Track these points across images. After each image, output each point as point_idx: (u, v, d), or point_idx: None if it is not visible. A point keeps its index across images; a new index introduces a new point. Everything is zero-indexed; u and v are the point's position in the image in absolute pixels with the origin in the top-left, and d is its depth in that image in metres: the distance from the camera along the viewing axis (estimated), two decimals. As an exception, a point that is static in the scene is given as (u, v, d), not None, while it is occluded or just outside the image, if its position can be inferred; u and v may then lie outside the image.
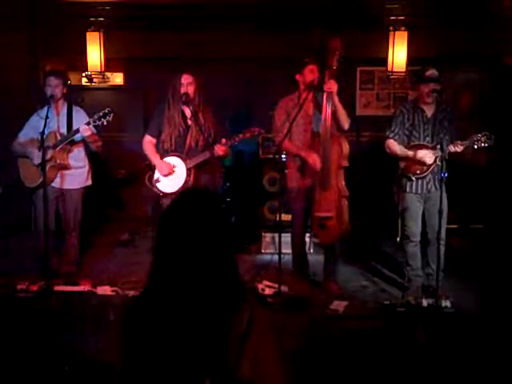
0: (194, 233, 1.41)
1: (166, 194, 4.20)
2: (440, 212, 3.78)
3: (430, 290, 4.11)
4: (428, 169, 4.01)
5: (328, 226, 4.14)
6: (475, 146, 3.87)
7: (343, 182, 4.12)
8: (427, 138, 4.05)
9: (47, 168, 4.25)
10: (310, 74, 4.12)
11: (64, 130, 4.37)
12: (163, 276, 1.43)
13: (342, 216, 4.09)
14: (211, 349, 1.34)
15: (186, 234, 1.42)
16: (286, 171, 4.42)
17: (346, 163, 4.10)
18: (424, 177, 4.04)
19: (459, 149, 3.89)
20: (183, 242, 1.41)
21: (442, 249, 3.99)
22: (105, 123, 4.18)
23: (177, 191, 4.11)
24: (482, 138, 3.84)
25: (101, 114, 4.17)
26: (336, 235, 4.20)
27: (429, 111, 4.09)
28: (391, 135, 4.15)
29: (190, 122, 4.20)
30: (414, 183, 4.08)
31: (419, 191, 4.08)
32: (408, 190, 4.11)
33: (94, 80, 6.04)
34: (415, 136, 4.07)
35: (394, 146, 4.12)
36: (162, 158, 4.21)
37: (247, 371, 1.33)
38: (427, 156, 3.98)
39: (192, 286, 1.39)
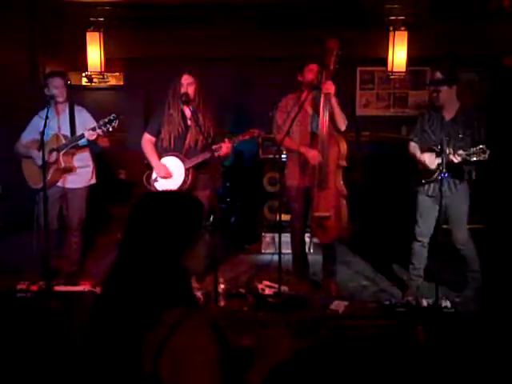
0: (144, 234, 1.44)
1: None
2: (457, 214, 3.94)
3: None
4: (435, 173, 3.96)
5: (326, 225, 4.15)
6: (471, 159, 3.81)
7: (341, 182, 4.13)
8: (454, 141, 3.92)
9: (52, 171, 4.30)
10: (309, 73, 4.14)
11: (66, 132, 4.38)
12: (114, 274, 1.47)
13: (340, 216, 4.10)
14: (128, 350, 1.34)
15: (139, 234, 1.45)
16: (286, 171, 4.43)
17: (344, 163, 4.11)
18: (434, 181, 4.00)
19: (456, 159, 3.81)
20: (134, 242, 1.45)
21: (466, 251, 4.08)
22: (110, 129, 4.18)
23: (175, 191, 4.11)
24: (478, 152, 3.77)
25: (106, 120, 4.17)
26: (335, 235, 4.22)
27: (448, 114, 4.02)
28: (411, 137, 4.17)
29: (189, 123, 4.20)
30: (427, 186, 4.08)
31: (431, 193, 4.06)
32: (420, 191, 4.14)
33: (94, 80, 6.04)
34: (433, 139, 4.01)
35: (414, 148, 4.12)
36: (160, 156, 4.22)
37: (166, 374, 1.30)
38: (430, 161, 3.96)
39: (131, 286, 1.41)
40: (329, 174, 4.07)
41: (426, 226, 4.11)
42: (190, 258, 1.47)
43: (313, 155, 4.07)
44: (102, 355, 1.39)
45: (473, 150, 3.76)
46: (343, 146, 4.08)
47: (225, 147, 4.03)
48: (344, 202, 4.11)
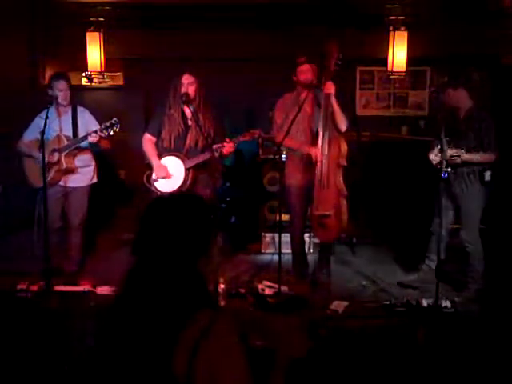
0: (161, 238, 1.44)
1: (163, 194, 4.21)
2: (466, 213, 4.02)
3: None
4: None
5: (327, 224, 4.17)
6: (459, 162, 3.88)
7: (342, 182, 4.15)
8: (458, 141, 3.97)
9: (53, 171, 4.34)
10: (302, 74, 4.17)
11: (68, 132, 4.41)
12: (132, 278, 1.46)
13: (340, 215, 4.12)
14: (158, 355, 1.33)
15: (155, 237, 1.45)
16: (286, 170, 4.45)
17: (344, 162, 4.14)
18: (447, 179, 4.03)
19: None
20: (151, 245, 1.44)
21: (472, 251, 4.13)
22: (112, 133, 4.21)
23: (174, 191, 4.13)
24: (460, 153, 3.85)
25: (108, 124, 4.21)
26: (335, 234, 4.26)
27: (461, 113, 4.10)
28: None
29: (189, 123, 4.20)
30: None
31: (445, 190, 4.09)
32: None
33: (94, 80, 6.04)
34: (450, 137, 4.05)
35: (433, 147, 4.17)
36: (161, 156, 4.23)
37: (202, 376, 1.30)
38: (434, 160, 4.04)
39: (153, 290, 1.40)
40: (329, 172, 4.10)
41: (438, 220, 4.12)
42: (205, 261, 1.47)
43: (315, 153, 4.11)
44: (129, 358, 1.38)
45: (454, 151, 3.81)
46: (343, 147, 4.11)
47: (228, 147, 4.04)
48: (344, 201, 4.14)
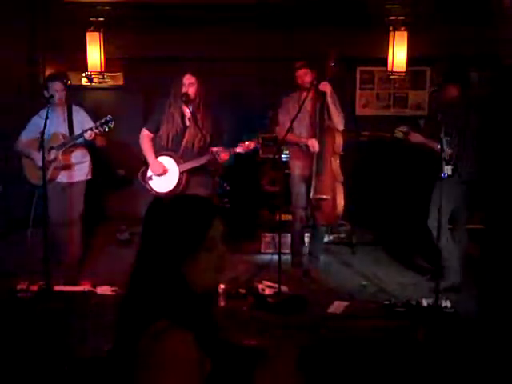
0: (157, 241, 1.43)
1: (158, 194, 4.23)
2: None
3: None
4: None
5: (324, 207, 4.38)
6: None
7: (338, 168, 4.42)
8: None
9: (51, 169, 4.40)
10: (300, 78, 4.44)
11: (65, 131, 4.48)
12: (130, 279, 1.46)
13: (336, 199, 4.35)
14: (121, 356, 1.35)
15: (149, 239, 1.46)
16: (290, 162, 4.75)
17: (340, 151, 4.41)
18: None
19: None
20: (145, 247, 1.45)
21: (440, 241, 4.05)
22: (106, 130, 4.28)
23: (168, 192, 4.16)
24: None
25: (102, 121, 4.28)
26: (332, 217, 4.47)
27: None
28: None
29: (188, 123, 4.21)
30: None
31: None
32: None
33: (94, 80, 6.04)
34: None
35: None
36: (157, 155, 4.25)
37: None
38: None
39: (133, 292, 1.41)
40: (325, 159, 4.38)
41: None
42: (198, 270, 1.43)
43: (312, 143, 4.38)
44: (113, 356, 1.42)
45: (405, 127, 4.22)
46: (338, 138, 4.39)
47: (223, 156, 4.08)
48: (341, 187, 4.38)
